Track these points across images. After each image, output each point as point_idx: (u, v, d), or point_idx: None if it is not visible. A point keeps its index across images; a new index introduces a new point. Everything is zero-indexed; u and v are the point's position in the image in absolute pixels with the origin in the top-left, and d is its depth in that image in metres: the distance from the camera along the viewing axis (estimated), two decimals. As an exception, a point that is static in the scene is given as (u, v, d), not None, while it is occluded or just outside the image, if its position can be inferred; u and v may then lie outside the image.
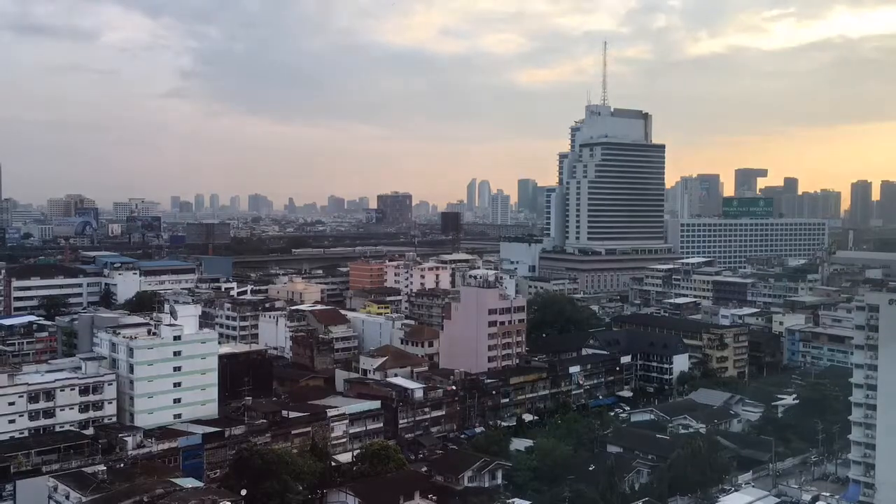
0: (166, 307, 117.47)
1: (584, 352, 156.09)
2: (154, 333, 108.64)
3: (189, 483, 77.87)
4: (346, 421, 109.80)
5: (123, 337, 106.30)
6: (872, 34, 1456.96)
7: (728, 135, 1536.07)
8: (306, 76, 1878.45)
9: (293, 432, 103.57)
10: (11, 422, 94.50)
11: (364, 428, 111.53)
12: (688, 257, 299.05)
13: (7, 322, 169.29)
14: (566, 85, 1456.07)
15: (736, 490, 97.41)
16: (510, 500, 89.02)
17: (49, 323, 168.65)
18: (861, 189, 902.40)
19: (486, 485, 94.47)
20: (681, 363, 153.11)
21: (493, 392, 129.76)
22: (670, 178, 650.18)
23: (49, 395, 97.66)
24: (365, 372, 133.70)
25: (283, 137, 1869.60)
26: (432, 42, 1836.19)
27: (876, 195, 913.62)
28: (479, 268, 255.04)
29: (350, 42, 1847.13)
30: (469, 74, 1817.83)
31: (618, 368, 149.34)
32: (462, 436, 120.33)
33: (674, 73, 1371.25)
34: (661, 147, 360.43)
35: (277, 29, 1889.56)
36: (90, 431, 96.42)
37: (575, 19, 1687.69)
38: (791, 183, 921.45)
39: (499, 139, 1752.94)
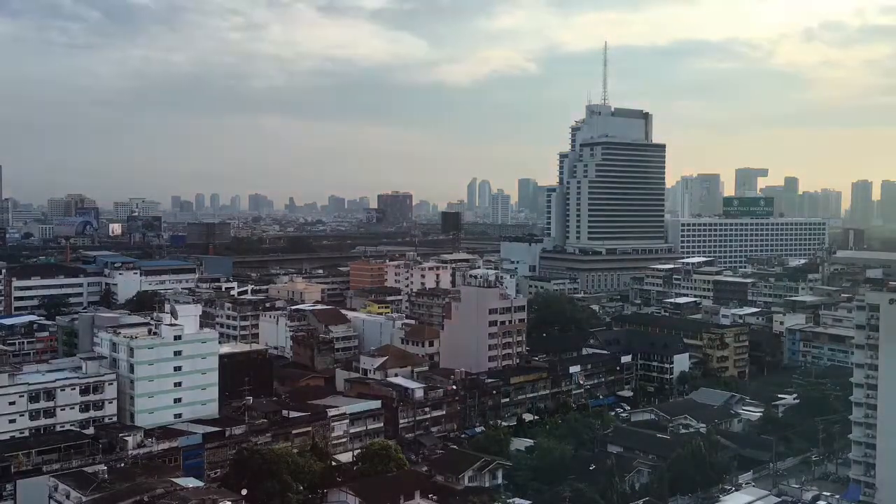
0: (167, 307, 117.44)
1: (585, 351, 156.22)
2: (154, 333, 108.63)
3: (190, 483, 77.89)
4: (347, 421, 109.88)
5: (124, 336, 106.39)
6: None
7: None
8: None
9: (293, 432, 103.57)
10: (12, 421, 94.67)
11: (364, 428, 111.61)
12: (688, 257, 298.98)
13: (7, 322, 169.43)
14: (485, 81, 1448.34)
15: (736, 490, 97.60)
16: (510, 500, 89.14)
17: (49, 322, 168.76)
18: (861, 189, 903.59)
19: (487, 484, 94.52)
20: (681, 363, 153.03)
21: (494, 392, 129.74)
22: (670, 178, 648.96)
23: (49, 394, 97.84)
24: (365, 372, 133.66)
25: (280, 136, 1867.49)
26: (318, 44, 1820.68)
27: (876, 195, 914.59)
28: (479, 267, 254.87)
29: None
30: (382, 74, 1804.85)
31: (618, 368, 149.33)
32: (462, 435, 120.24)
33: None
34: (662, 147, 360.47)
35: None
36: (90, 431, 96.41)
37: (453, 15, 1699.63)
38: (791, 182, 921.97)
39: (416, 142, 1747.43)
